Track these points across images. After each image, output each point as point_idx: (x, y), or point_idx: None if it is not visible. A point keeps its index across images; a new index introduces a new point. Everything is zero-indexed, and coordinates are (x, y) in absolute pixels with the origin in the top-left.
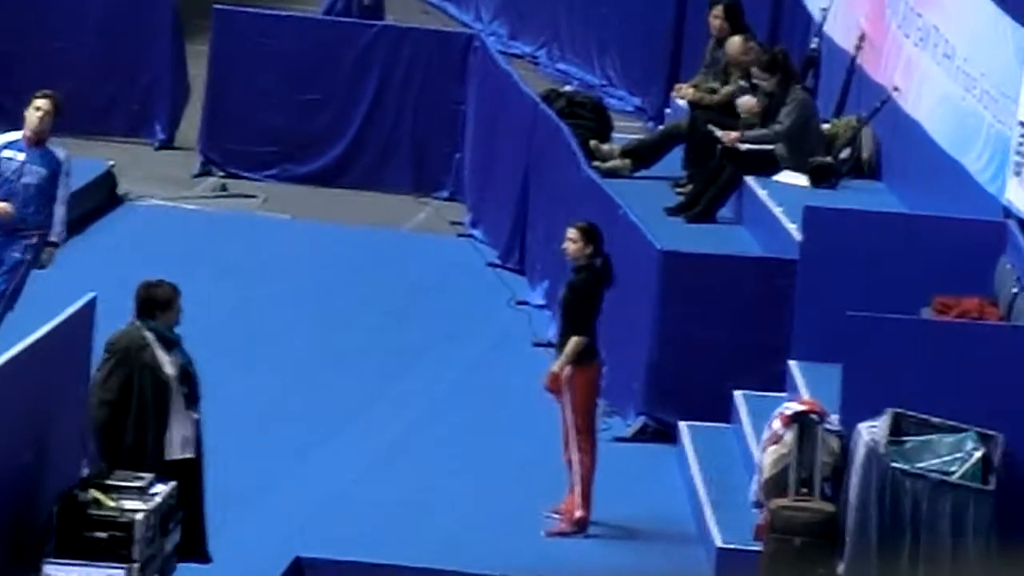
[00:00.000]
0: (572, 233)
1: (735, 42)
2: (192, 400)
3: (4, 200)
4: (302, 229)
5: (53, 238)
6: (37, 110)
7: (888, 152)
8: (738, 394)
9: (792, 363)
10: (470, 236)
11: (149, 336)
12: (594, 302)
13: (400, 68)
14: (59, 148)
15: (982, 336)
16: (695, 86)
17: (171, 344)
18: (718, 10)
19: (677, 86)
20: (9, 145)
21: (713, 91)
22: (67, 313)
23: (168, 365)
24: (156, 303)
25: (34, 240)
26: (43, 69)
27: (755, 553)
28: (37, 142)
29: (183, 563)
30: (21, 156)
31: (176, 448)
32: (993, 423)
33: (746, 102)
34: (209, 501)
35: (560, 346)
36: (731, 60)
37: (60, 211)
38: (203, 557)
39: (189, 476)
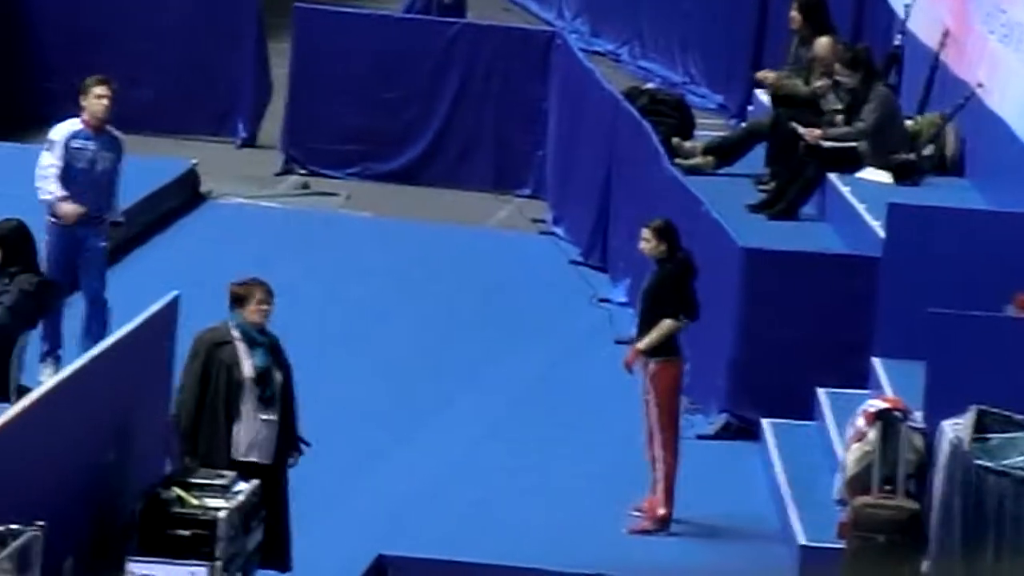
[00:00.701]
0: (645, 233)
1: (824, 42)
2: (268, 403)
3: (84, 189)
4: (384, 227)
5: (120, 219)
6: (100, 98)
7: (972, 149)
8: (821, 391)
9: (875, 360)
10: (552, 234)
11: (235, 333)
12: (680, 292)
13: (481, 66)
14: (116, 130)
15: None
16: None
17: (254, 343)
18: (795, 4)
19: (760, 74)
20: (75, 135)
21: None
22: (150, 311)
23: (247, 365)
24: (233, 298)
25: (107, 226)
26: (127, 69)
27: (838, 551)
28: (100, 128)
29: (263, 569)
30: (91, 144)
31: (241, 449)
32: None
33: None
34: (291, 499)
35: (638, 337)
36: (818, 59)
37: (119, 192)
38: (283, 565)
39: (262, 480)
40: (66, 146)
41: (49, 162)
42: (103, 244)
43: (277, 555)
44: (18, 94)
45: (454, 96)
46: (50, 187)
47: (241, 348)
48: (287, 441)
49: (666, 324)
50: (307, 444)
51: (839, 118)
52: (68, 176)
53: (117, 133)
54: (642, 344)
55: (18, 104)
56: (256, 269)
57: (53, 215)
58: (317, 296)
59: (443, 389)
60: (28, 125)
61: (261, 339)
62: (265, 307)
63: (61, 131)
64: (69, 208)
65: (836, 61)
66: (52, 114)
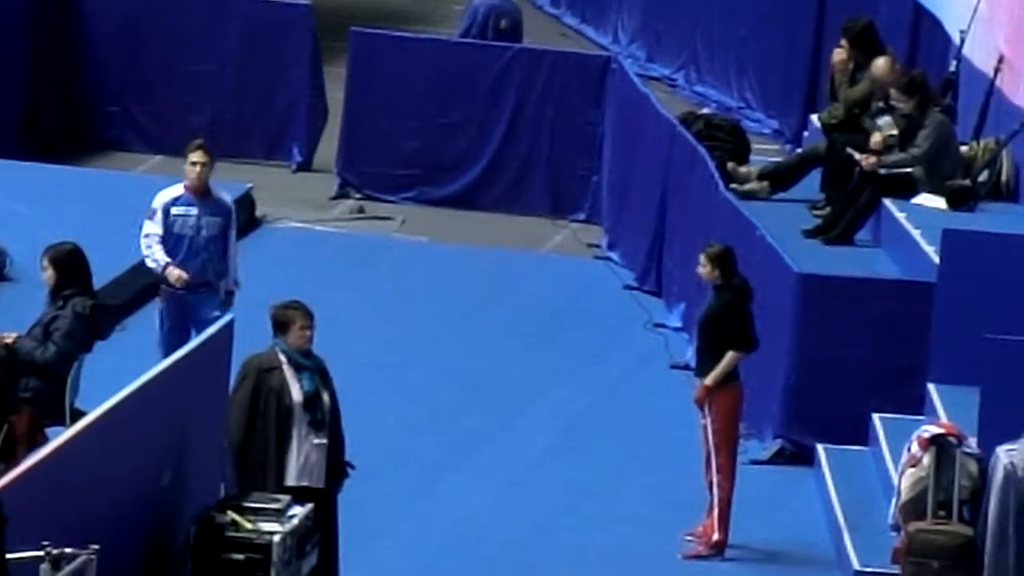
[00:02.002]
0: (701, 258)
1: (881, 64)
2: (318, 427)
3: (191, 256)
4: (439, 251)
5: (233, 288)
6: (194, 165)
7: None
8: (876, 417)
9: (930, 386)
10: (607, 259)
11: (282, 358)
12: (738, 321)
13: (537, 91)
14: (223, 193)
15: None
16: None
17: (300, 368)
18: (843, 33)
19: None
20: (175, 202)
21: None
22: (205, 335)
23: (295, 390)
24: (274, 324)
25: (220, 293)
26: (183, 93)
27: None
28: (203, 193)
29: None
30: (193, 210)
31: (292, 475)
32: None
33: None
34: (342, 525)
35: (699, 366)
36: (876, 82)
37: (236, 258)
38: None
39: (314, 504)
40: (166, 213)
41: (149, 230)
42: (217, 315)
43: None
44: (79, 118)
45: (509, 121)
46: (156, 255)
47: (289, 373)
48: (335, 465)
49: (729, 356)
50: (352, 467)
51: (894, 143)
52: (172, 243)
53: (224, 197)
54: (709, 380)
55: (79, 128)
56: (311, 293)
57: (162, 282)
58: (372, 320)
59: (498, 414)
60: (88, 148)
61: (307, 363)
62: (307, 332)
63: (162, 198)
64: (175, 273)
65: (893, 84)
66: (113, 138)
